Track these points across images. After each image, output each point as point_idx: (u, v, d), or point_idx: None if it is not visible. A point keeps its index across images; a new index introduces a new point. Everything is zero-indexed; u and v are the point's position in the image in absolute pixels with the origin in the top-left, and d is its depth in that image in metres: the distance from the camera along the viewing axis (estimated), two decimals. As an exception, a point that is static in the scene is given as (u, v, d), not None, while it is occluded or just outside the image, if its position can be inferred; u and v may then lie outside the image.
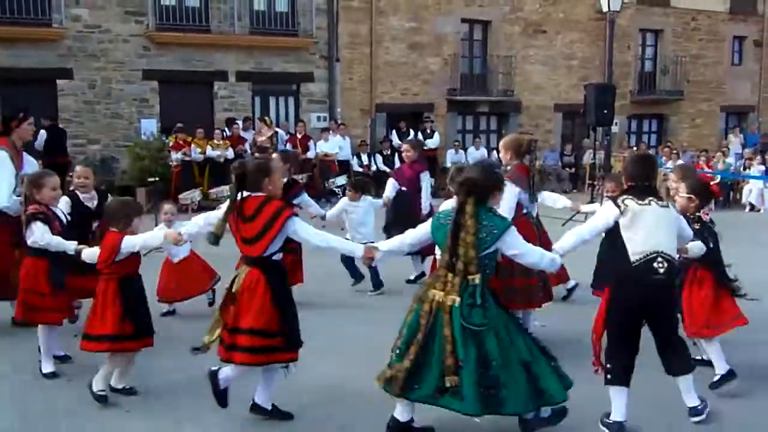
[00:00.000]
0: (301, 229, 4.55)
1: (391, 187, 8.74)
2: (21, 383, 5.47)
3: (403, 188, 8.66)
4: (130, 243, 4.96)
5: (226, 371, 4.59)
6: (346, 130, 18.50)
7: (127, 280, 5.05)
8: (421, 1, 20.07)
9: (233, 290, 4.55)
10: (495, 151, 20.16)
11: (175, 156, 15.78)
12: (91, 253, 5.16)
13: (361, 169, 18.14)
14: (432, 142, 19.45)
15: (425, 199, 8.65)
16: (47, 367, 5.54)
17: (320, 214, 8.13)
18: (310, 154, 17.41)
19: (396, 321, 4.44)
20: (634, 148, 21.12)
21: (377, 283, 8.35)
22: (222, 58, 17.92)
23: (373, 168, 18.54)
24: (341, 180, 14.67)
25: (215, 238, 4.55)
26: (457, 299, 4.11)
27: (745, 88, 25.55)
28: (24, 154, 7.00)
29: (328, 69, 19.11)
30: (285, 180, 8.16)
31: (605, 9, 15.51)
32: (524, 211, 6.13)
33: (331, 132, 17.95)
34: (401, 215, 8.37)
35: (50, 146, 15.03)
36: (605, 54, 17.71)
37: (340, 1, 18.93)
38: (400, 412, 4.40)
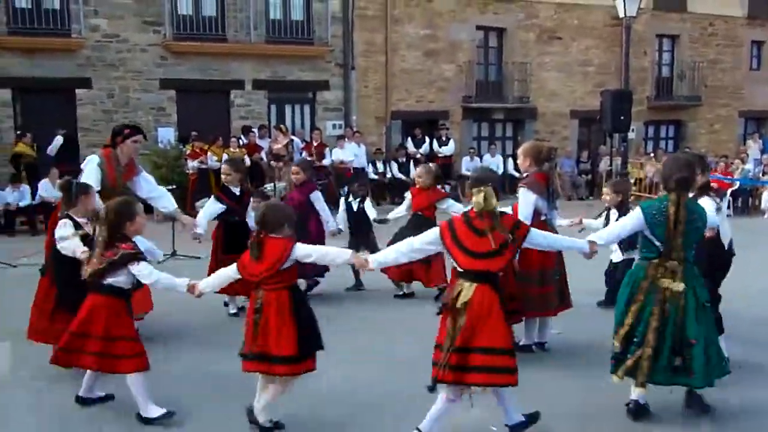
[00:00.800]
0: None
1: None
2: (39, 389, 5.52)
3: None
4: (304, 251, 4.65)
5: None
6: (362, 138, 18.55)
7: (297, 291, 4.75)
8: (436, 9, 20.10)
9: (457, 305, 4.29)
10: (511, 158, 20.21)
11: (192, 164, 15.89)
12: (209, 284, 4.97)
13: (376, 177, 18.18)
14: (447, 150, 19.47)
15: (326, 218, 8.42)
16: (154, 411, 4.91)
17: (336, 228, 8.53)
18: (326, 162, 17.47)
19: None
20: (651, 155, 21.02)
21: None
22: (238, 66, 18.03)
23: (389, 175, 18.57)
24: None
25: None
26: (682, 285, 4.64)
27: (764, 93, 25.29)
28: (142, 173, 7.13)
29: (343, 77, 19.17)
30: (303, 180, 8.38)
31: (621, 15, 15.43)
32: (542, 218, 6.13)
33: (346, 139, 18.01)
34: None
35: (62, 155, 15.36)
36: (621, 60, 17.61)
37: (356, 10, 18.99)
38: (639, 394, 4.81)
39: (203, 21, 17.57)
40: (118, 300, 4.89)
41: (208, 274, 7.32)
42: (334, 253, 4.81)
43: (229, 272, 4.79)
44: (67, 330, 4.89)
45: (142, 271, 4.84)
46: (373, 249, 8.32)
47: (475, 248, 4.33)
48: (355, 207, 8.95)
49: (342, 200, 9.23)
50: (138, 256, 4.86)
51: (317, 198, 8.42)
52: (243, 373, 4.62)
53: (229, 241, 7.47)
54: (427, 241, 4.55)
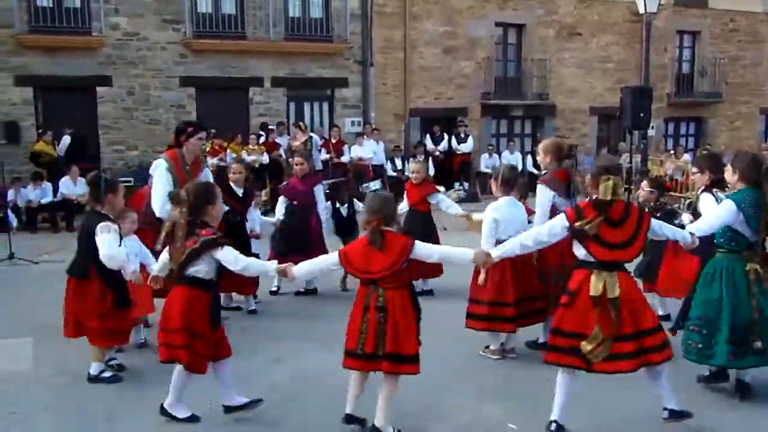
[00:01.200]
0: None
1: (281, 204, 8.48)
2: (59, 387, 5.59)
3: (295, 203, 8.35)
4: (426, 251, 4.55)
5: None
6: (380, 135, 18.56)
7: (412, 287, 4.66)
8: (455, 6, 20.06)
9: (612, 296, 4.34)
10: (529, 156, 20.14)
11: (211, 161, 15.95)
12: (304, 269, 4.72)
13: (395, 174, 18.18)
14: (466, 147, 19.43)
15: (322, 212, 8.45)
16: (182, 411, 4.89)
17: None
18: (345, 159, 17.50)
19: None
20: (672, 152, 20.86)
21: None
22: (257, 64, 18.09)
23: (407, 173, 18.55)
24: (376, 185, 14.74)
25: None
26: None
27: (785, 90, 25.10)
28: (205, 170, 7.03)
29: (362, 74, 19.19)
30: (306, 172, 8.46)
31: (641, 11, 15.32)
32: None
33: (365, 137, 18.02)
34: (294, 233, 8.16)
35: (80, 153, 15.56)
36: (641, 56, 17.50)
37: (374, 6, 19.00)
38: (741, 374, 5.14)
39: (222, 19, 17.64)
40: (200, 292, 4.64)
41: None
42: (456, 253, 4.65)
43: (329, 262, 4.64)
44: (159, 326, 4.76)
45: (227, 256, 4.59)
46: None
47: (611, 239, 4.38)
48: (344, 213, 8.87)
49: (329, 204, 8.98)
50: (220, 241, 4.62)
51: (319, 191, 8.51)
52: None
53: (234, 242, 7.42)
54: (554, 232, 4.56)
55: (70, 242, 11.83)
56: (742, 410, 5.03)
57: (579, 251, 4.49)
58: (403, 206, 8.43)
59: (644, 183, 7.70)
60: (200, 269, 4.61)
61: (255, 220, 8.23)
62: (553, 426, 4.52)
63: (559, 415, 4.52)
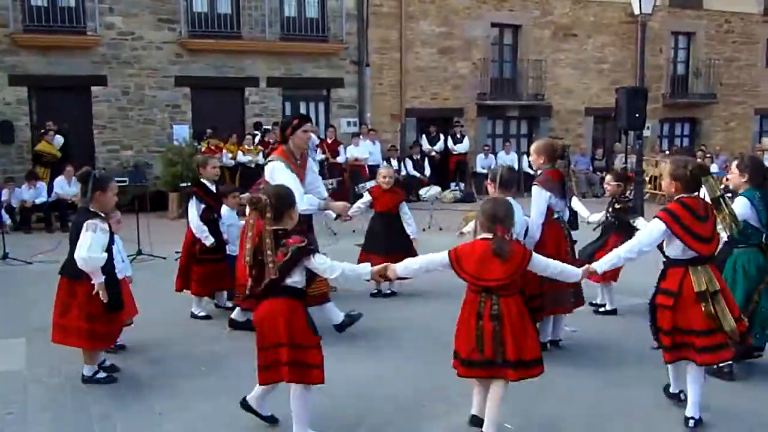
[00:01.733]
0: None
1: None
2: (55, 387, 5.56)
3: None
4: (543, 264, 4.48)
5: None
6: (376, 135, 18.55)
7: (523, 292, 4.61)
8: (451, 6, 20.06)
9: (712, 290, 4.52)
10: (525, 156, 20.13)
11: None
12: (412, 269, 4.57)
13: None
14: (462, 147, 19.44)
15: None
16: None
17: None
18: (340, 159, 17.48)
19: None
20: (667, 152, 20.91)
21: None
22: (253, 64, 18.06)
23: (403, 173, 18.55)
24: (371, 184, 14.70)
25: None
26: None
27: (779, 91, 25.18)
28: (309, 160, 6.87)
29: (358, 74, 19.17)
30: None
31: (636, 12, 15.30)
32: (555, 216, 6.12)
33: (361, 137, 18.01)
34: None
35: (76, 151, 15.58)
36: (636, 57, 17.54)
37: (370, 7, 18.98)
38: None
39: (218, 18, 17.61)
40: (297, 302, 4.41)
41: (179, 274, 7.36)
42: (568, 270, 4.67)
43: (437, 262, 4.43)
44: (258, 346, 4.47)
45: (321, 264, 4.36)
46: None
47: (703, 233, 4.57)
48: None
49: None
50: (310, 248, 4.36)
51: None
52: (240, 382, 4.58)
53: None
54: (656, 237, 4.65)
55: (64, 242, 11.85)
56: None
57: (674, 251, 4.63)
58: (359, 206, 8.38)
59: (608, 177, 7.89)
60: (295, 279, 4.37)
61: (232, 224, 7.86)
62: (691, 423, 4.64)
63: (694, 411, 4.65)
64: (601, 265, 4.74)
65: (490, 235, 4.29)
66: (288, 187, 4.71)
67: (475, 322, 4.29)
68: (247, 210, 5.96)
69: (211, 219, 7.41)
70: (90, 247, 5.16)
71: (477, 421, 4.57)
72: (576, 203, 7.08)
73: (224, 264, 7.40)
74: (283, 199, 4.45)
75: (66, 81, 16.38)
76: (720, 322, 4.46)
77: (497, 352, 4.24)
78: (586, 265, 4.79)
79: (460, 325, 4.44)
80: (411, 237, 8.22)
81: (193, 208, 7.34)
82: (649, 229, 4.71)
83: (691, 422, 4.62)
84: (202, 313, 7.49)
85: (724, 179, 7.52)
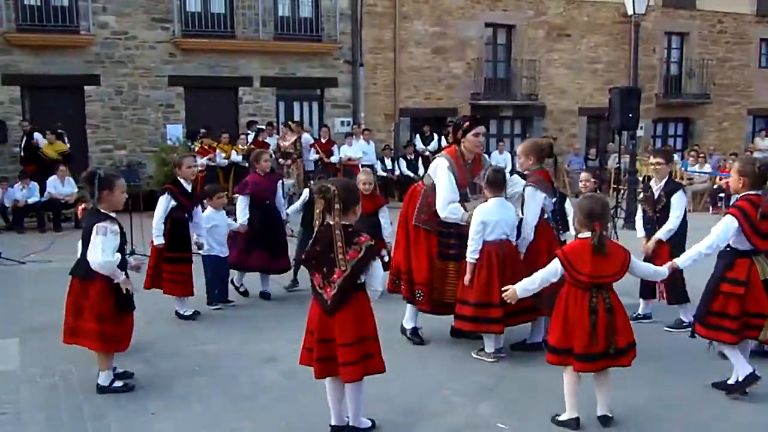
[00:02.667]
0: None
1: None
2: (48, 387, 5.54)
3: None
4: (640, 268, 4.84)
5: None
6: (371, 135, 18.55)
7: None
8: (445, 6, 20.07)
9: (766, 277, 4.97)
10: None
11: (201, 161, 15.87)
12: (525, 288, 4.82)
13: (385, 174, 18.16)
14: (455, 147, 19.41)
15: (280, 207, 8.61)
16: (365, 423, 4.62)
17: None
18: (334, 159, 17.47)
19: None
20: (648, 152, 20.91)
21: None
22: (247, 63, 18.05)
23: (397, 172, 18.57)
24: None
25: None
26: None
27: (772, 91, 25.25)
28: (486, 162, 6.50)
29: (352, 74, 19.17)
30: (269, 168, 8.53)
31: (630, 12, 15.31)
32: (545, 216, 6.13)
33: (354, 137, 18.01)
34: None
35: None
36: (630, 57, 17.57)
37: (364, 6, 18.98)
38: None
39: (212, 18, 17.60)
40: (364, 295, 4.40)
41: (149, 273, 7.23)
42: (654, 270, 5.01)
43: (550, 273, 4.69)
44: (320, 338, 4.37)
45: (378, 268, 4.38)
46: None
47: (765, 230, 4.96)
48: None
49: (305, 191, 8.99)
50: (377, 247, 4.37)
51: (280, 187, 8.71)
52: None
53: (176, 238, 7.21)
54: (731, 233, 4.97)
55: (57, 242, 11.86)
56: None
57: (742, 245, 4.99)
58: (297, 206, 8.63)
59: (584, 175, 8.10)
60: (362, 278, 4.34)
61: (217, 224, 7.85)
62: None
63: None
64: (684, 261, 5.09)
65: (589, 234, 4.50)
66: (354, 183, 4.64)
67: (588, 316, 4.48)
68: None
69: (180, 219, 7.29)
70: (103, 251, 5.09)
71: (577, 423, 4.66)
72: (569, 205, 7.09)
73: (189, 267, 7.36)
74: (352, 193, 4.40)
75: (59, 80, 16.34)
76: None
77: (609, 343, 4.48)
78: (669, 262, 5.13)
79: (569, 324, 4.56)
80: (385, 240, 8.03)
81: (162, 205, 7.20)
82: (724, 225, 5.00)
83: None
84: (188, 312, 7.42)
85: (717, 179, 7.61)
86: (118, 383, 5.39)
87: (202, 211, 7.73)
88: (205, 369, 5.88)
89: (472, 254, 5.83)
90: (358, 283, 4.33)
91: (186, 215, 7.36)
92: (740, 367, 5.11)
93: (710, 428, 4.74)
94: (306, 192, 9.02)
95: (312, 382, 4.48)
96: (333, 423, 4.56)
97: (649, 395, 5.22)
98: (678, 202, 6.86)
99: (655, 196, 7.02)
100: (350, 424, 4.53)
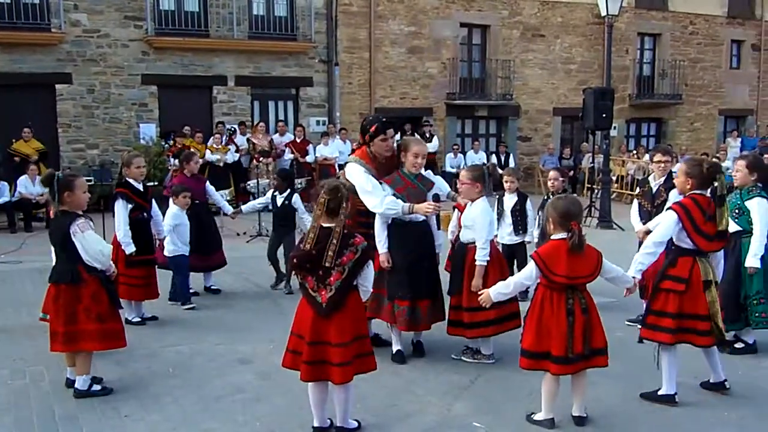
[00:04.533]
0: None
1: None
2: (19, 388, 5.45)
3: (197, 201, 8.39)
4: (608, 268, 4.71)
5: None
6: (346, 135, 18.51)
7: None
8: (420, 6, 20.09)
9: (708, 278, 4.93)
10: (494, 155, 20.31)
11: (174, 161, 15.77)
12: (499, 292, 4.79)
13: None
14: (431, 146, 19.43)
15: (222, 205, 9.06)
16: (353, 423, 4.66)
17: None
18: (309, 158, 17.41)
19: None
20: (634, 152, 21.15)
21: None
22: (221, 62, 17.93)
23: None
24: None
25: None
26: None
27: (743, 92, 25.58)
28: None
29: (327, 73, 19.12)
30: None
31: (603, 13, 15.43)
32: None
33: (330, 136, 17.97)
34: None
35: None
36: (603, 58, 17.70)
37: (339, 6, 18.95)
38: None
39: (185, 16, 17.45)
40: (356, 294, 4.43)
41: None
42: (626, 277, 4.85)
43: (526, 276, 4.65)
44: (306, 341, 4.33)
45: (370, 272, 4.45)
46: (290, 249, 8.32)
47: (708, 231, 4.90)
48: (279, 202, 8.71)
49: (269, 192, 9.13)
50: (371, 249, 4.39)
51: (211, 187, 8.87)
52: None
53: (138, 241, 7.03)
54: (670, 229, 4.95)
55: (28, 242, 11.71)
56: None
57: (684, 243, 4.96)
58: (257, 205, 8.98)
59: (552, 173, 8.17)
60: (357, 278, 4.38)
61: (181, 223, 7.87)
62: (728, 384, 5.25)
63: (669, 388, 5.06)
64: (634, 271, 4.97)
65: (564, 234, 4.50)
66: (339, 182, 4.63)
67: (565, 318, 4.48)
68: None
69: (141, 219, 7.18)
70: (91, 248, 5.05)
71: (552, 424, 4.67)
72: (530, 206, 7.17)
73: (154, 269, 7.33)
74: (338, 191, 4.37)
75: (30, 78, 16.11)
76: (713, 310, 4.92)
77: (585, 344, 4.49)
78: (633, 275, 4.97)
79: (543, 326, 4.53)
80: None
81: (121, 210, 6.96)
82: (664, 221, 5.04)
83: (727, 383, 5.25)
84: (137, 319, 7.24)
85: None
86: (96, 387, 5.31)
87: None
88: (179, 370, 5.83)
89: (485, 257, 5.75)
90: (354, 284, 4.37)
91: (144, 215, 7.25)
92: (667, 380, 5.06)
93: (683, 425, 4.77)
94: (269, 194, 9.03)
95: (287, 383, 4.47)
96: (316, 425, 4.53)
97: (624, 393, 5.25)
98: (675, 197, 6.97)
99: (654, 191, 7.13)
100: (338, 424, 4.52)
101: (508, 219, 7.96)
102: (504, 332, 5.90)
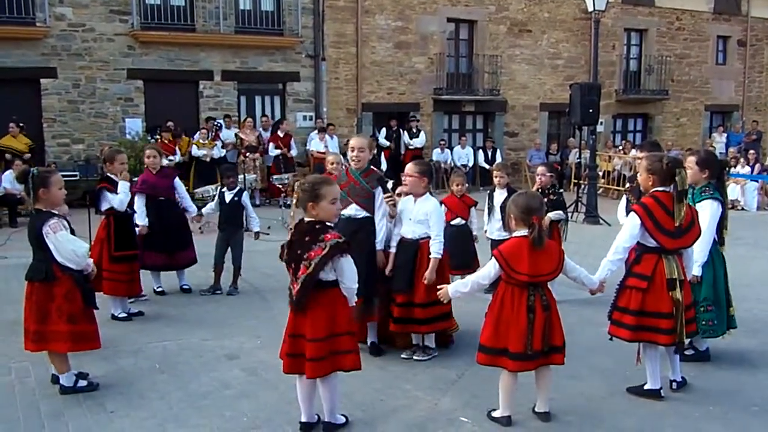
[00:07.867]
0: None
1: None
2: (4, 386, 5.41)
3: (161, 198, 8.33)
4: (571, 267, 4.71)
5: None
6: (333, 130, 18.48)
7: None
8: (407, 1, 20.06)
9: (673, 277, 4.84)
10: (481, 150, 20.33)
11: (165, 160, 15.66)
12: (457, 289, 4.78)
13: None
14: (418, 141, 19.48)
15: (188, 205, 8.50)
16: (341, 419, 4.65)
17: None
18: (293, 153, 17.35)
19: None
20: (620, 148, 21.24)
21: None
22: (207, 57, 17.85)
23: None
24: (286, 177, 14.72)
25: None
26: None
27: (729, 88, 25.75)
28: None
29: (314, 68, 19.07)
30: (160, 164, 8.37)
31: (590, 8, 15.48)
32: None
33: (317, 132, 17.94)
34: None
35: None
36: (590, 53, 17.77)
37: (326, 0, 18.89)
38: None
39: (171, 10, 17.35)
40: (337, 291, 4.35)
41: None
42: (589, 278, 4.81)
43: (486, 274, 4.58)
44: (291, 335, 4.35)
45: (349, 270, 4.33)
46: (239, 248, 8.28)
47: (671, 228, 4.82)
48: (227, 198, 8.41)
49: (217, 191, 8.92)
50: (345, 246, 4.26)
51: (179, 183, 8.41)
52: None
53: (121, 237, 7.08)
54: (634, 232, 4.89)
55: (13, 238, 11.62)
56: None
57: (648, 241, 4.89)
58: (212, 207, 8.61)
59: (540, 168, 8.17)
60: (328, 274, 4.28)
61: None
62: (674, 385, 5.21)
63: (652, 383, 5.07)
64: (600, 275, 4.91)
65: (526, 231, 4.46)
66: (322, 178, 4.59)
67: (525, 315, 4.44)
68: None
69: (122, 214, 7.18)
70: (63, 248, 4.96)
71: (509, 421, 4.66)
72: None
73: (137, 264, 7.35)
74: (318, 187, 4.34)
75: (14, 73, 15.98)
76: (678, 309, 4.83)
77: (544, 341, 4.45)
78: (598, 280, 4.91)
79: (502, 323, 4.50)
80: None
81: (108, 200, 7.10)
82: (626, 224, 4.97)
83: (674, 384, 5.20)
84: (123, 314, 7.22)
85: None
86: (83, 383, 5.27)
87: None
88: (165, 366, 5.80)
89: (440, 250, 5.76)
90: (328, 280, 4.29)
91: (127, 210, 7.27)
92: (651, 376, 5.07)
93: (669, 419, 4.80)
94: (219, 191, 8.78)
95: (274, 379, 4.46)
96: (303, 420, 4.53)
97: (610, 388, 5.28)
98: None
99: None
100: (325, 419, 4.52)
101: (497, 215, 7.88)
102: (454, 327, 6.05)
